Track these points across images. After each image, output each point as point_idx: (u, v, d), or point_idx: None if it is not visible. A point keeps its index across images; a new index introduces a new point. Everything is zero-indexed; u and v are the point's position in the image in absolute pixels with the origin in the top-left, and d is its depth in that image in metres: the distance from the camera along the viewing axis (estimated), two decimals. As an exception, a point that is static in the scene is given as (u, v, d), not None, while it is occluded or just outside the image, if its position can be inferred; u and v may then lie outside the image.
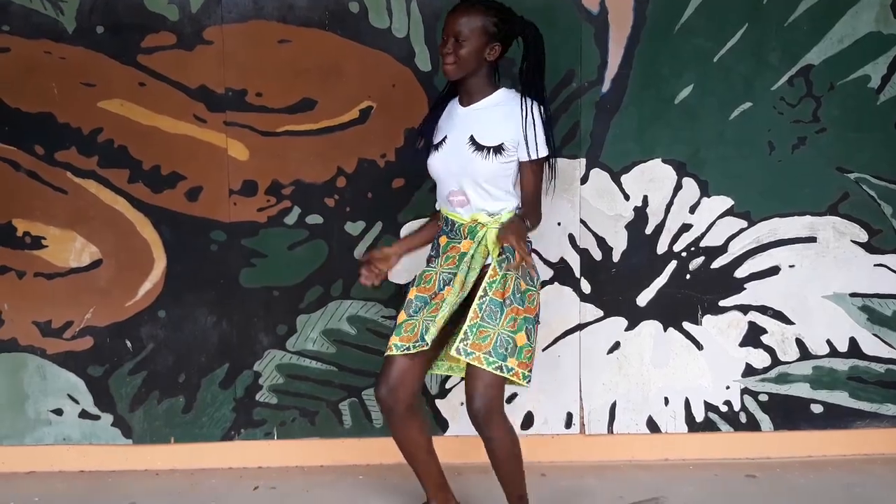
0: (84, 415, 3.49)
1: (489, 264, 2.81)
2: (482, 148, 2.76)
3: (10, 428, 3.49)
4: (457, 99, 2.89)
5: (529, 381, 2.78)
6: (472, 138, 2.78)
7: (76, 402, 3.49)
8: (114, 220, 3.41)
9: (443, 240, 2.91)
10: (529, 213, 2.85)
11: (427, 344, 2.75)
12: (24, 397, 3.48)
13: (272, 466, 3.52)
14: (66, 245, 3.43)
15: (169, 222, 3.41)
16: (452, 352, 2.74)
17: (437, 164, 2.86)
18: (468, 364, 2.74)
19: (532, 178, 2.82)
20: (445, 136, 2.85)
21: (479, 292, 2.76)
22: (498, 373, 2.70)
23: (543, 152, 2.79)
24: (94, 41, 3.32)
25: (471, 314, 2.75)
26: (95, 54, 3.33)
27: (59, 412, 3.49)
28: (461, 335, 2.74)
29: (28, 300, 3.44)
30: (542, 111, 2.80)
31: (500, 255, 2.78)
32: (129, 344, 3.46)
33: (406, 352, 2.79)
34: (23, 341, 3.46)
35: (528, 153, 2.78)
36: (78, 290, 3.44)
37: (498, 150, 2.76)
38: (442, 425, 3.52)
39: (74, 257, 3.44)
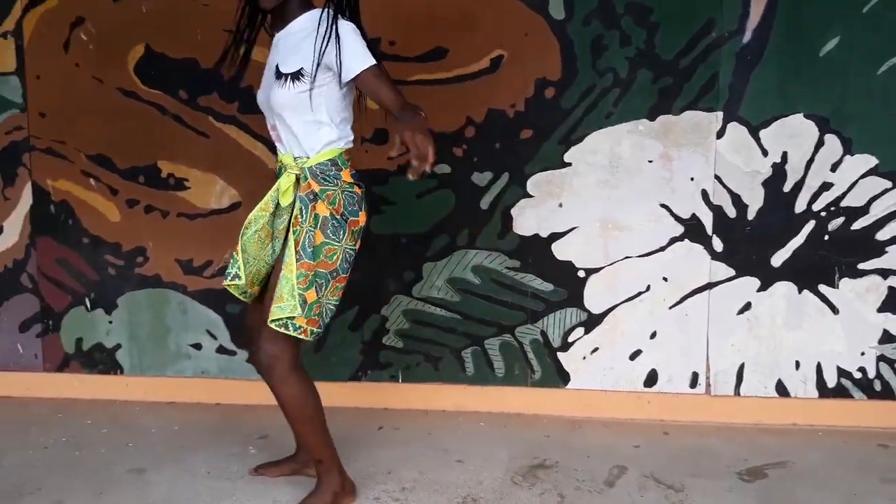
0: (221, 350, 3.66)
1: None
2: (281, 76, 2.55)
3: (153, 359, 3.70)
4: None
5: (317, 336, 2.61)
6: (277, 66, 2.60)
7: (214, 337, 3.66)
8: (253, 165, 3.54)
9: None
10: (398, 110, 2.41)
11: (244, 295, 2.76)
12: (166, 331, 3.67)
13: (396, 409, 3.61)
14: (207, 187, 3.57)
15: (303, 168, 3.51)
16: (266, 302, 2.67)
17: (258, 97, 2.74)
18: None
19: (373, 89, 2.48)
20: (267, 68, 2.70)
21: (287, 242, 2.60)
22: (283, 329, 2.55)
23: (367, 62, 2.47)
24: (237, -10, 3.42)
25: (280, 264, 2.62)
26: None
27: (198, 346, 3.67)
28: (271, 285, 2.68)
29: (171, 239, 3.62)
30: (354, 24, 2.53)
31: (301, 203, 2.58)
32: (263, 284, 3.60)
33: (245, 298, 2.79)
34: (166, 278, 3.64)
35: (352, 69, 2.47)
36: (218, 231, 3.58)
37: (295, 76, 2.52)
38: (564, 378, 3.53)
39: (215, 199, 3.58)
